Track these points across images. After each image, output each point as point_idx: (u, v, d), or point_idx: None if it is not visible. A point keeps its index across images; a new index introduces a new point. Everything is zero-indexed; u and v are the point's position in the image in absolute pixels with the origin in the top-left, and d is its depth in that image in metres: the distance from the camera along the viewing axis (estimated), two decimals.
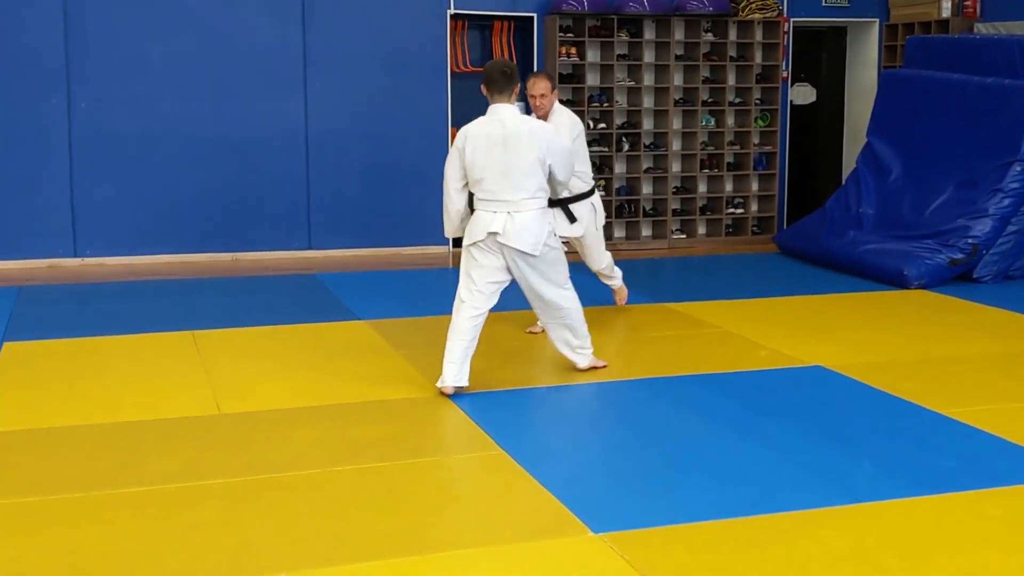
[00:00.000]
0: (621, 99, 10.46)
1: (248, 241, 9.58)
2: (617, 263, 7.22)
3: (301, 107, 9.65)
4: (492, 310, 5.46)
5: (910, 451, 4.58)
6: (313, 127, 9.70)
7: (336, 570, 3.44)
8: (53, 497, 4.01)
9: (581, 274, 6.30)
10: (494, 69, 5.39)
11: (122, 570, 3.44)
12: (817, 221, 9.64)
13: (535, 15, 10.17)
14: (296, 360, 6.08)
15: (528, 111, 6.33)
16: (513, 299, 5.89)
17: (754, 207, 11.01)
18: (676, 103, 10.55)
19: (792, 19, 10.97)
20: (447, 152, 9.87)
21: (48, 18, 8.93)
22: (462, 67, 10.21)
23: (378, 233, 9.93)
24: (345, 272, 9.07)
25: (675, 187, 10.70)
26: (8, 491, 4.07)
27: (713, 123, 10.74)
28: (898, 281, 8.27)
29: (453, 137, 10.07)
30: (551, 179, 5.40)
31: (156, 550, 3.58)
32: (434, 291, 8.59)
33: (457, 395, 5.31)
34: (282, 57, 9.55)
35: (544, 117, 6.30)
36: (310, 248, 9.75)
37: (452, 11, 9.94)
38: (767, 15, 10.65)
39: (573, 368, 5.71)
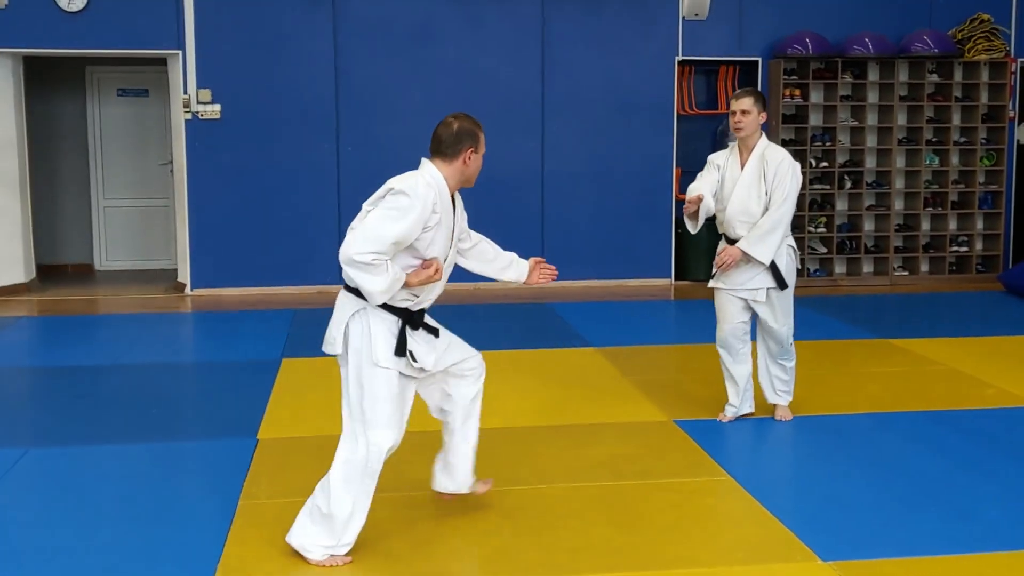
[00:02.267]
0: (844, 138, 10.18)
1: None
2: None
3: (539, 148, 9.89)
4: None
5: None
6: (549, 166, 9.92)
7: None
8: None
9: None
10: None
11: (392, 565, 3.63)
12: None
13: (759, 59, 10.07)
14: (534, 382, 6.22)
15: None
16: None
17: (979, 245, 10.45)
18: (899, 142, 10.17)
19: (1020, 59, 10.39)
20: (672, 189, 10.00)
21: (322, 74, 9.54)
22: (688, 110, 10.21)
23: (607, 265, 10.04)
24: (576, 301, 9.20)
25: (898, 224, 10.30)
26: (287, 491, 4.35)
27: (937, 162, 10.29)
28: None
29: (678, 176, 10.13)
30: None
31: (410, 552, 3.74)
32: (657, 321, 8.62)
33: (683, 421, 5.30)
34: (523, 102, 9.83)
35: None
36: None
37: (680, 57, 9.97)
38: (994, 56, 10.13)
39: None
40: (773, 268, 5.10)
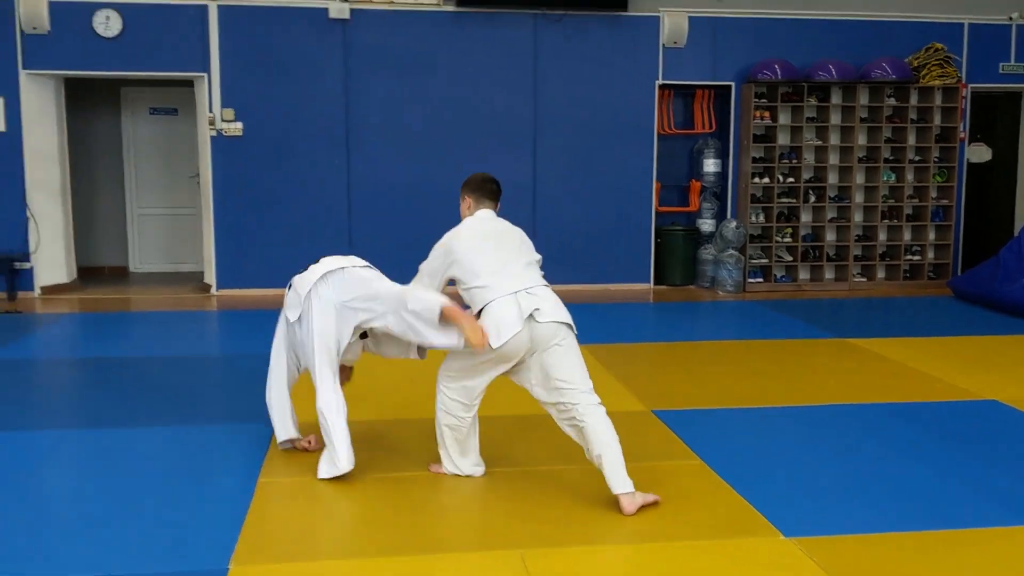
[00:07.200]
0: (809, 156, 10.24)
1: None
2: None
3: (531, 164, 9.94)
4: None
5: None
6: (540, 180, 9.97)
7: (565, 551, 3.56)
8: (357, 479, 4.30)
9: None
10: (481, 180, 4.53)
11: (391, 538, 3.68)
12: (990, 268, 9.13)
13: (733, 83, 10.13)
14: None
15: None
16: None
17: (931, 254, 10.52)
18: (859, 160, 10.24)
19: (970, 85, 10.47)
20: (652, 202, 10.06)
21: (334, 96, 9.58)
22: (667, 130, 10.27)
23: (593, 270, 10.11)
24: (565, 303, 9.20)
25: (857, 235, 10.37)
26: (302, 470, 4.39)
27: (894, 178, 10.36)
28: None
29: (658, 190, 10.20)
30: None
31: (419, 523, 3.80)
32: (637, 321, 8.66)
33: (660, 411, 5.34)
34: (517, 122, 9.88)
35: None
36: None
37: (660, 81, 10.03)
38: (946, 82, 10.20)
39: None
40: None
